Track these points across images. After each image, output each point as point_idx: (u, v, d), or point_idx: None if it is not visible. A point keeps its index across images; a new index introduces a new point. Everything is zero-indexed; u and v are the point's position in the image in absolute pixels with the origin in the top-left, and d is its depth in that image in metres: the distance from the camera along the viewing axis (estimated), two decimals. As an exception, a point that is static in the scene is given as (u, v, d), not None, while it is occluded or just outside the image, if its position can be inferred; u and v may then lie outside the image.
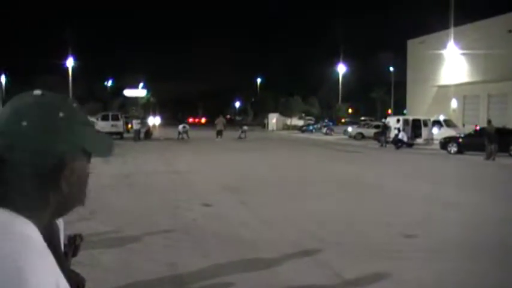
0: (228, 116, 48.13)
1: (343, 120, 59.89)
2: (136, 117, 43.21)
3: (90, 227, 7.83)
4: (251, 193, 12.56)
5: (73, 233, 2.86)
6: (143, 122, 41.07)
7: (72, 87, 55.17)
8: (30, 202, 1.03)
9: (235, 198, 11.83)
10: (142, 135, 38.50)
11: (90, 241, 6.79)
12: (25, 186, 1.01)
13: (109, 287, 5.48)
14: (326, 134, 51.68)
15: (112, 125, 39.90)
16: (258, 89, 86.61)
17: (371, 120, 52.48)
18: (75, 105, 1.10)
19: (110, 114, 42.93)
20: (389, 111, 64.23)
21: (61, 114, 1.04)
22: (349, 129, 45.80)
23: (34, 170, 1.01)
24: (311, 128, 58.23)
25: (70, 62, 56.19)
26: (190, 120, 58.42)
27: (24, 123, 0.99)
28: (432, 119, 34.86)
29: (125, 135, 41.32)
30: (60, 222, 2.71)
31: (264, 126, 72.37)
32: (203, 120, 69.18)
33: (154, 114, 50.75)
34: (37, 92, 1.06)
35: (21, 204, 1.01)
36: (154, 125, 44.61)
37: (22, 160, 0.99)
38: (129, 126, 41.76)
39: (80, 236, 2.91)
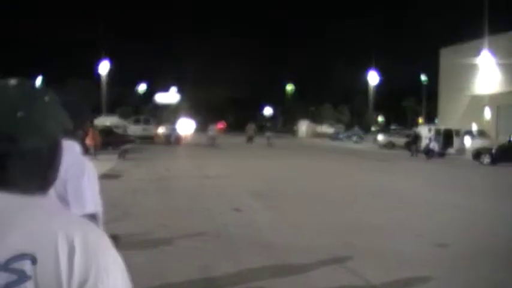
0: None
1: (373, 129, 59.52)
2: (167, 122, 43.57)
3: (122, 229, 7.94)
4: (281, 199, 12.57)
5: (109, 233, 2.95)
6: (173, 129, 41.25)
7: (104, 92, 55.91)
8: (35, 183, 1.11)
9: (265, 204, 11.86)
10: (173, 139, 38.78)
11: (123, 242, 6.90)
12: (30, 170, 1.09)
13: (141, 288, 5.56)
14: (356, 142, 51.39)
15: (143, 129, 40.42)
16: (288, 96, 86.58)
17: (401, 129, 51.93)
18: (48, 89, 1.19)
19: (142, 118, 43.54)
20: (420, 120, 63.48)
21: (46, 99, 1.13)
22: (380, 138, 45.46)
23: (36, 153, 1.09)
24: (341, 136, 57.97)
25: (103, 66, 56.95)
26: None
27: (20, 114, 1.07)
28: (464, 129, 34.38)
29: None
30: (99, 220, 2.80)
31: (293, 133, 72.25)
32: (221, 125, 68.99)
33: (187, 117, 49.91)
34: (13, 81, 1.12)
35: (28, 187, 1.08)
36: (186, 135, 42.98)
37: (25, 147, 1.07)
38: (160, 132, 41.87)
39: (118, 237, 2.99)
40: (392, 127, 59.16)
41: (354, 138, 53.39)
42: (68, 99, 2.81)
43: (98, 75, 57.47)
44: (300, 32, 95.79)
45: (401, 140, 40.06)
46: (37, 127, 1.09)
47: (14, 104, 1.08)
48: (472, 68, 44.68)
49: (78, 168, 2.54)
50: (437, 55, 52.23)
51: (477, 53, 43.33)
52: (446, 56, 49.88)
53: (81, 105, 2.77)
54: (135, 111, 59.67)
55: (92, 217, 2.58)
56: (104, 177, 16.16)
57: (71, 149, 2.60)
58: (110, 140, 29.14)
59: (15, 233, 1.00)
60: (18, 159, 1.07)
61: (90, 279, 1.00)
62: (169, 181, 15.78)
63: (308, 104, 76.16)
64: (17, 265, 0.97)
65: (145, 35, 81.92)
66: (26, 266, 0.97)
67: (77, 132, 2.68)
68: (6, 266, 0.97)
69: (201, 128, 50.29)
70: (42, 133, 1.10)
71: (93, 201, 2.59)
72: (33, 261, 0.98)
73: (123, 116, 50.19)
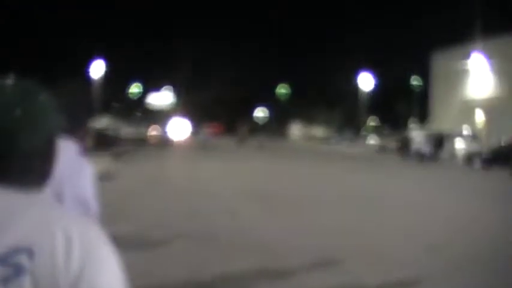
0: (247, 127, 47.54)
1: (365, 132, 59.66)
2: (160, 124, 43.57)
3: (115, 229, 7.94)
4: (272, 202, 12.60)
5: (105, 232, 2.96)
6: (165, 131, 41.26)
7: (96, 92, 55.68)
8: (32, 180, 1.13)
9: (257, 206, 11.89)
10: (165, 141, 38.81)
11: (116, 242, 6.89)
12: (28, 167, 1.12)
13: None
14: (348, 145, 51.52)
15: (136, 131, 40.44)
16: (281, 98, 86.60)
17: (393, 133, 52.04)
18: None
19: (135, 120, 43.60)
20: (411, 124, 63.73)
21: (41, 97, 1.15)
22: (371, 141, 45.58)
23: (34, 151, 1.12)
24: (332, 140, 58.09)
25: (96, 68, 56.65)
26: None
27: (18, 112, 1.09)
28: (456, 132, 34.50)
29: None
30: (96, 218, 2.81)
31: (285, 135, 72.27)
32: (215, 128, 67.62)
33: (180, 120, 49.50)
34: (9, 80, 1.14)
35: (25, 184, 1.11)
36: (179, 139, 42.62)
37: (23, 145, 1.09)
38: (152, 134, 41.86)
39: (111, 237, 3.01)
40: (384, 130, 59.29)
41: (346, 141, 53.53)
42: (67, 100, 2.84)
43: (90, 77, 57.17)
44: (295, 34, 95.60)
45: (393, 144, 40.06)
46: (35, 125, 1.11)
47: (11, 103, 1.09)
48: (464, 72, 44.93)
49: (76, 167, 2.56)
50: (429, 59, 52.48)
51: (469, 56, 43.57)
52: (438, 60, 50.14)
53: (80, 106, 2.80)
54: (127, 113, 59.45)
55: (90, 215, 2.60)
56: (97, 178, 16.13)
57: (68, 148, 2.62)
58: (102, 142, 29.07)
59: (14, 228, 1.01)
60: (16, 156, 1.09)
61: (87, 274, 1.01)
62: (161, 183, 15.78)
63: (300, 106, 76.11)
64: (14, 259, 0.98)
65: (137, 37, 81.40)
66: (24, 260, 0.98)
67: (76, 132, 2.70)
68: (3, 260, 0.98)
69: (195, 130, 50.25)
70: (39, 131, 1.12)
71: (90, 200, 2.61)
72: (31, 255, 0.99)
73: (116, 117, 50.03)
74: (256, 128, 52.75)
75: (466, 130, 35.70)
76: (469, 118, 42.56)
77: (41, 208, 1.09)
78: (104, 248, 1.09)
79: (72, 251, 1.01)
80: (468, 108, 43.94)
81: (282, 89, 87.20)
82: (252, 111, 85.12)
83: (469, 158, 27.49)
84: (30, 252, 0.99)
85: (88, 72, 57.17)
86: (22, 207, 1.06)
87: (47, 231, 1.02)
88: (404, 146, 33.80)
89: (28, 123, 1.10)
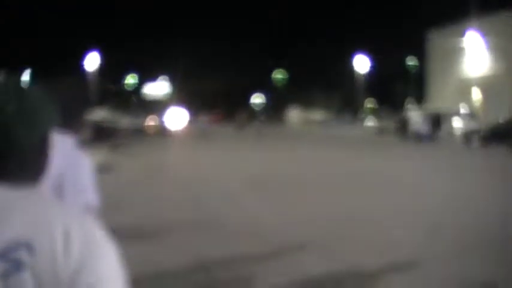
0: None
1: (363, 115, 59.70)
2: (157, 114, 43.43)
3: (115, 220, 7.96)
4: (271, 188, 12.64)
5: (105, 225, 2.98)
6: (162, 121, 41.16)
7: (93, 85, 55.47)
8: (28, 175, 1.14)
9: (256, 193, 11.93)
10: (163, 130, 38.72)
11: (116, 234, 6.92)
12: (23, 161, 1.12)
13: (134, 278, 5.59)
14: (346, 128, 51.49)
15: (134, 122, 40.33)
16: (278, 83, 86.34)
17: (391, 114, 52.03)
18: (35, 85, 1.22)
19: (132, 111, 43.51)
20: (409, 104, 63.62)
21: (35, 93, 1.16)
22: (369, 123, 45.57)
23: (29, 145, 1.12)
24: (331, 123, 58.07)
25: (92, 59, 56.44)
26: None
27: (12, 107, 1.09)
28: (454, 111, 34.45)
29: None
30: (96, 211, 2.83)
31: (283, 120, 72.14)
32: (216, 116, 67.01)
33: (179, 109, 49.04)
34: (2, 77, 1.16)
35: (21, 179, 1.12)
36: (177, 128, 42.37)
37: (18, 140, 1.10)
38: (150, 124, 41.78)
39: (111, 229, 3.03)
40: (382, 112, 59.22)
41: (344, 125, 53.50)
42: (63, 93, 2.84)
43: (85, 70, 57.01)
44: (290, 19, 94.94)
45: (390, 124, 40.01)
46: (29, 120, 1.11)
47: (5, 99, 1.10)
48: (461, 50, 44.79)
49: (74, 160, 2.57)
50: (424, 38, 52.26)
51: (465, 35, 43.42)
52: (434, 39, 49.97)
53: (76, 99, 2.81)
54: (124, 104, 59.30)
55: (90, 208, 2.62)
56: (95, 170, 16.14)
57: (65, 142, 2.63)
58: (100, 134, 28.99)
59: (13, 223, 1.02)
60: (11, 152, 1.10)
61: (86, 269, 1.02)
62: (160, 172, 15.80)
63: (298, 91, 76.02)
64: (14, 254, 0.99)
65: (137, 36, 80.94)
66: (23, 255, 0.99)
67: (72, 125, 2.71)
68: (3, 256, 0.98)
69: (193, 118, 50.18)
70: (34, 126, 1.12)
71: (90, 193, 2.63)
72: (30, 250, 0.99)
73: (113, 109, 49.87)
74: (254, 115, 52.62)
75: (463, 109, 35.66)
76: (466, 96, 42.49)
77: (40, 203, 1.10)
78: (102, 242, 1.09)
79: (71, 246, 1.02)
80: (465, 87, 43.86)
81: (279, 74, 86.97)
82: (249, 98, 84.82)
83: (467, 136, 27.47)
84: (29, 248, 1.00)
85: (83, 65, 57.05)
86: (21, 203, 1.06)
87: (46, 227, 1.03)
88: (402, 127, 33.73)
89: (22, 119, 1.10)
